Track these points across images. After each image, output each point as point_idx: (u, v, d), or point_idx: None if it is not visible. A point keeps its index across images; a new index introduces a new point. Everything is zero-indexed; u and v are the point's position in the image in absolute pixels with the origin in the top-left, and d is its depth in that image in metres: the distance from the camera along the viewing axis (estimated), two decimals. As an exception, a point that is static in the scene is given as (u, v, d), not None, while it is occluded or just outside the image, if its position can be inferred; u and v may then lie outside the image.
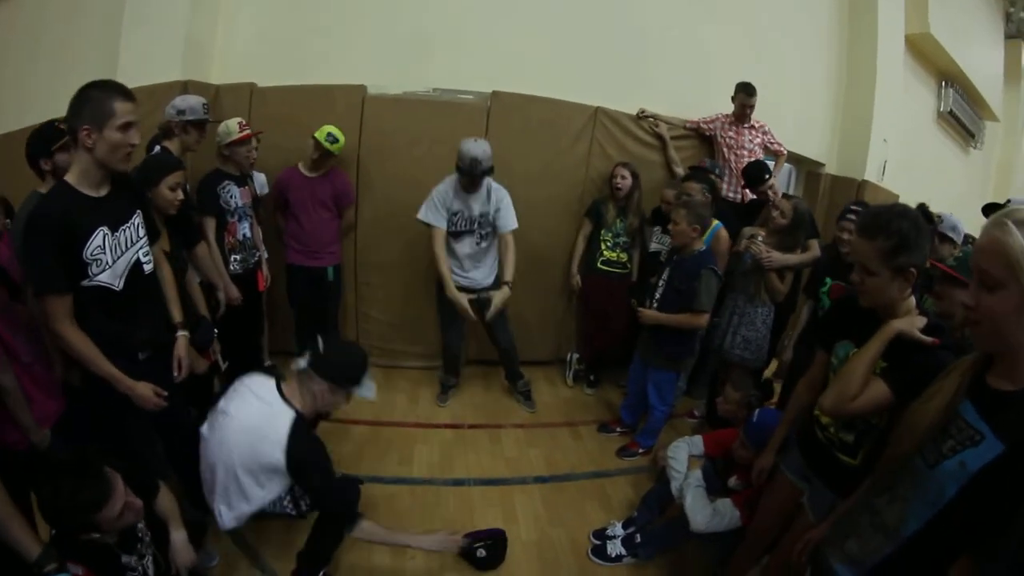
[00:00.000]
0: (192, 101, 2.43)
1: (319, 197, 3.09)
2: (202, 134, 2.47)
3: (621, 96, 3.62)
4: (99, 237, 1.62)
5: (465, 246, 3.00)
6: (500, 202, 2.95)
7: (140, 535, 1.54)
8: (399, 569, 2.19)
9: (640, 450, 3.03)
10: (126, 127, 1.56)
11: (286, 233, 3.18)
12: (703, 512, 2.01)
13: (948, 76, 5.68)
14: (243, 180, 2.81)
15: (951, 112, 5.73)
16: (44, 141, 1.91)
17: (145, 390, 1.75)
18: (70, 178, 1.61)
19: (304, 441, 1.75)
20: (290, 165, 3.11)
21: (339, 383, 1.82)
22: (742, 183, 3.49)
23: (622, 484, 2.81)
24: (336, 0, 3.38)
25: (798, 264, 2.87)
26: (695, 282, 2.61)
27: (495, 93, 3.41)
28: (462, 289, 2.99)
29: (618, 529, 2.39)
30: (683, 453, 2.27)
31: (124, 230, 1.71)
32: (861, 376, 1.35)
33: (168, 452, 2.08)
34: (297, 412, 1.77)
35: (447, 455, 2.94)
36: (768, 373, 3.15)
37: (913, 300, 1.38)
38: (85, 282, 1.62)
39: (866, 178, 4.42)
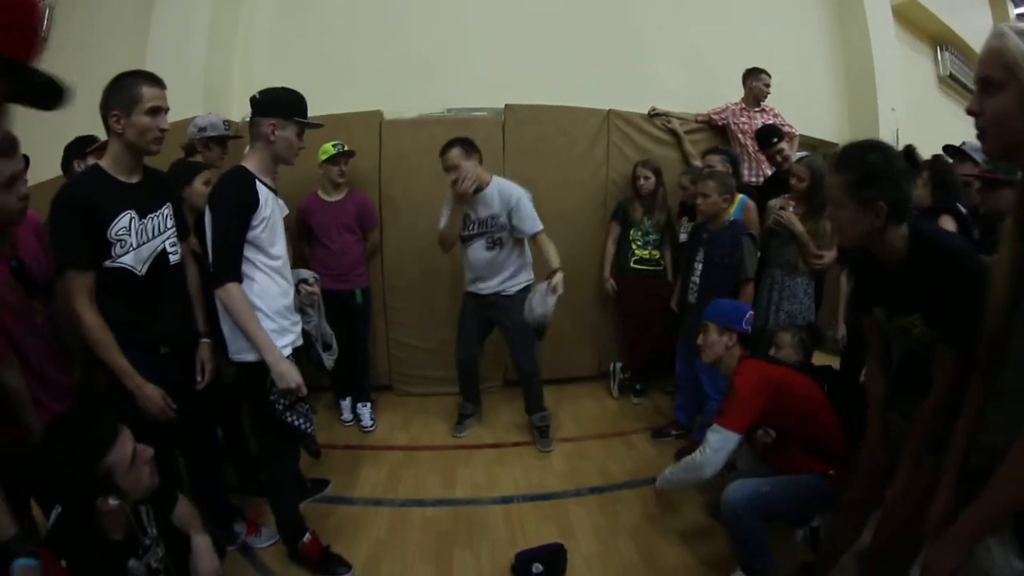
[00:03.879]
0: (212, 118, 2.48)
1: (343, 220, 3.06)
2: (224, 150, 2.50)
3: (630, 97, 3.64)
4: (125, 219, 1.61)
5: (476, 251, 2.79)
6: (512, 203, 2.67)
7: (149, 543, 1.38)
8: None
9: (702, 451, 2.74)
10: (154, 111, 1.59)
11: (312, 259, 3.11)
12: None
13: (942, 40, 5.68)
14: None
15: (951, 75, 5.71)
16: (80, 143, 2.04)
17: (153, 392, 1.63)
18: (103, 163, 1.64)
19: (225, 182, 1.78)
20: (307, 192, 3.10)
21: (284, 116, 1.80)
22: (762, 167, 3.51)
23: (687, 488, 2.52)
24: (345, 33, 3.56)
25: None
26: (738, 250, 2.50)
27: (508, 107, 3.44)
28: (476, 296, 2.88)
29: None
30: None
31: (152, 218, 1.69)
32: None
33: (189, 468, 1.97)
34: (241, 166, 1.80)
35: (492, 473, 2.70)
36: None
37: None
38: (108, 263, 1.59)
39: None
